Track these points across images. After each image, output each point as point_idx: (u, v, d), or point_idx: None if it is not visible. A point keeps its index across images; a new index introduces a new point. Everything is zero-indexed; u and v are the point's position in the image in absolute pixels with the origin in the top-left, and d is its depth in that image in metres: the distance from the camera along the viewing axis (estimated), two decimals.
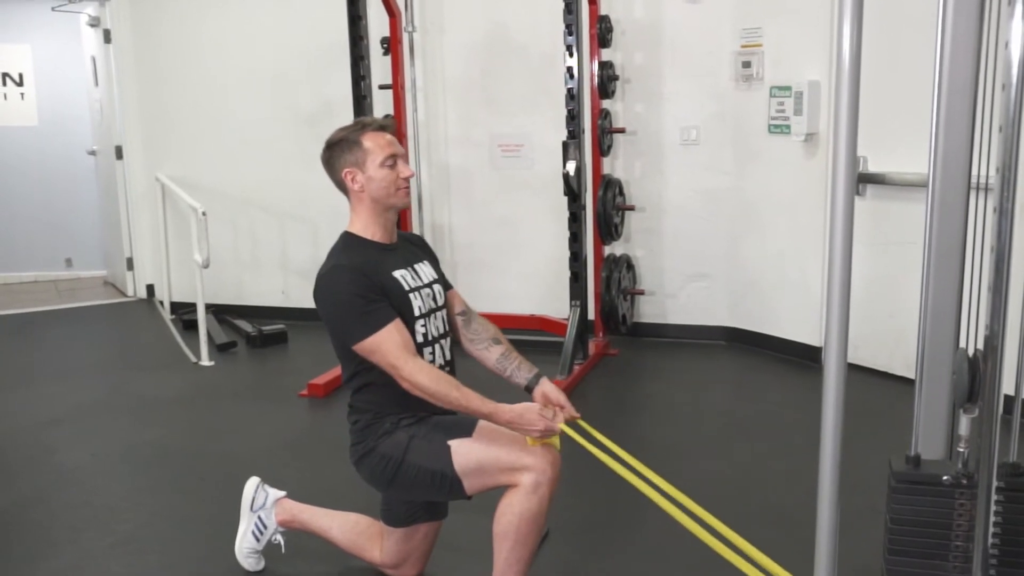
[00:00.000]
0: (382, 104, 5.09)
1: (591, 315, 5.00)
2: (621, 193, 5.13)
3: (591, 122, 4.97)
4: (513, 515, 2.18)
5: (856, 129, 1.58)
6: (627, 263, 5.20)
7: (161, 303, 6.44)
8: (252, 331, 5.51)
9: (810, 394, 3.37)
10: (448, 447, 2.24)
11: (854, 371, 4.07)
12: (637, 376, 4.83)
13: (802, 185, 4.64)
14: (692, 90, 5.02)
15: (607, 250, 5.19)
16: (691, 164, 5.09)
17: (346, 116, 4.58)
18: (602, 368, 4.82)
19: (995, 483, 1.63)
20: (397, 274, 2.33)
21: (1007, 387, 1.57)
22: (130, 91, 6.38)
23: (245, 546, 2.68)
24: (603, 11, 5.04)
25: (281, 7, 5.82)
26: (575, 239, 4.56)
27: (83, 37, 6.98)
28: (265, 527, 2.68)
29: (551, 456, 2.21)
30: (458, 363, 2.47)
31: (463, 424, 2.30)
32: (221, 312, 6.02)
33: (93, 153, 7.21)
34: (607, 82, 5.03)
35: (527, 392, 2.39)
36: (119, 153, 6.53)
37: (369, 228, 2.37)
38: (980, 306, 1.63)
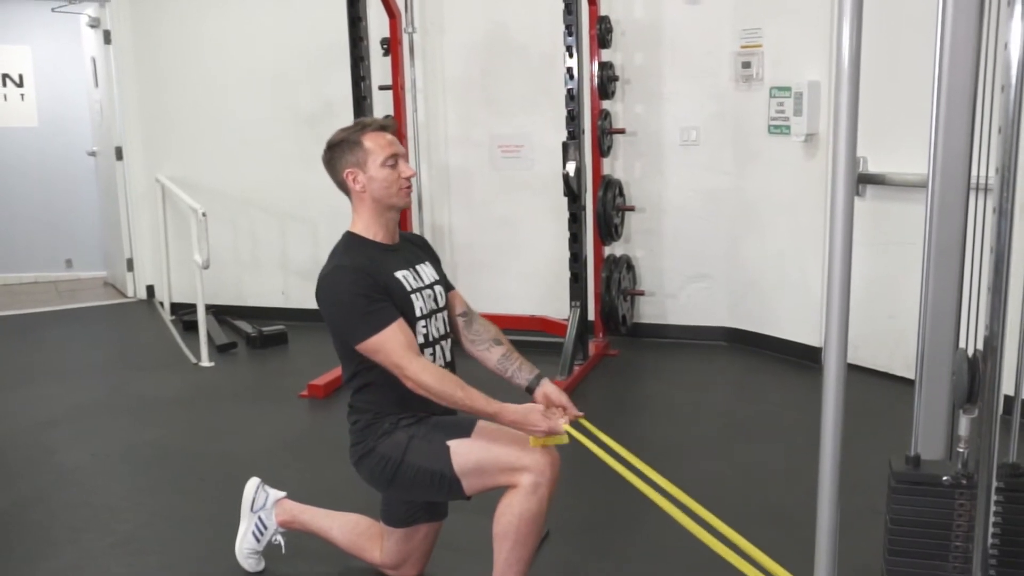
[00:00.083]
0: (382, 105, 5.09)
1: (591, 316, 5.00)
2: (621, 194, 5.13)
3: (591, 123, 4.97)
4: (513, 515, 2.18)
5: (856, 129, 1.58)
6: (627, 264, 5.20)
7: (161, 304, 6.44)
8: (252, 332, 5.51)
9: (810, 394, 3.37)
10: (447, 447, 2.24)
11: (854, 371, 4.08)
12: (637, 377, 4.83)
13: (802, 186, 4.64)
14: (692, 91, 5.02)
15: (607, 251, 5.19)
16: (691, 165, 5.10)
17: (346, 117, 4.59)
18: (602, 369, 4.82)
19: (995, 483, 1.63)
20: (399, 275, 2.33)
21: (1007, 387, 1.57)
22: (130, 92, 6.38)
23: (245, 547, 2.68)
24: (603, 12, 5.04)
25: (281, 7, 5.82)
26: (575, 240, 4.56)
27: (83, 38, 6.98)
28: (265, 528, 2.68)
29: (550, 457, 2.21)
30: (459, 364, 2.47)
31: (462, 424, 2.30)
32: (221, 313, 6.02)
33: (93, 154, 7.21)
34: (607, 83, 5.04)
35: (528, 393, 2.38)
36: (119, 154, 6.54)
37: (371, 228, 2.37)
38: (980, 306, 1.63)
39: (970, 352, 1.64)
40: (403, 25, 5.20)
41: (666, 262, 5.26)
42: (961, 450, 1.69)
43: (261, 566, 2.70)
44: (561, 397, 2.34)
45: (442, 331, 2.42)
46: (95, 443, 3.90)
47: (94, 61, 6.77)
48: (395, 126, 2.47)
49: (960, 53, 1.76)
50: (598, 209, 4.95)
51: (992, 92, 1.62)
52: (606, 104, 5.11)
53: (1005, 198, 1.49)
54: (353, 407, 2.38)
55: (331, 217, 5.19)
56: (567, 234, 4.59)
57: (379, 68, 5.02)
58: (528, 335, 4.90)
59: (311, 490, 3.00)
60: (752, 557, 1.98)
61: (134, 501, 3.29)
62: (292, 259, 6.09)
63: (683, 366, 4.89)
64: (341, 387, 4.18)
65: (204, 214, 4.96)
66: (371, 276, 2.25)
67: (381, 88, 5.10)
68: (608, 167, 5.22)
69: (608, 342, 5.08)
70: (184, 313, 5.95)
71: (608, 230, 5.02)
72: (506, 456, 2.20)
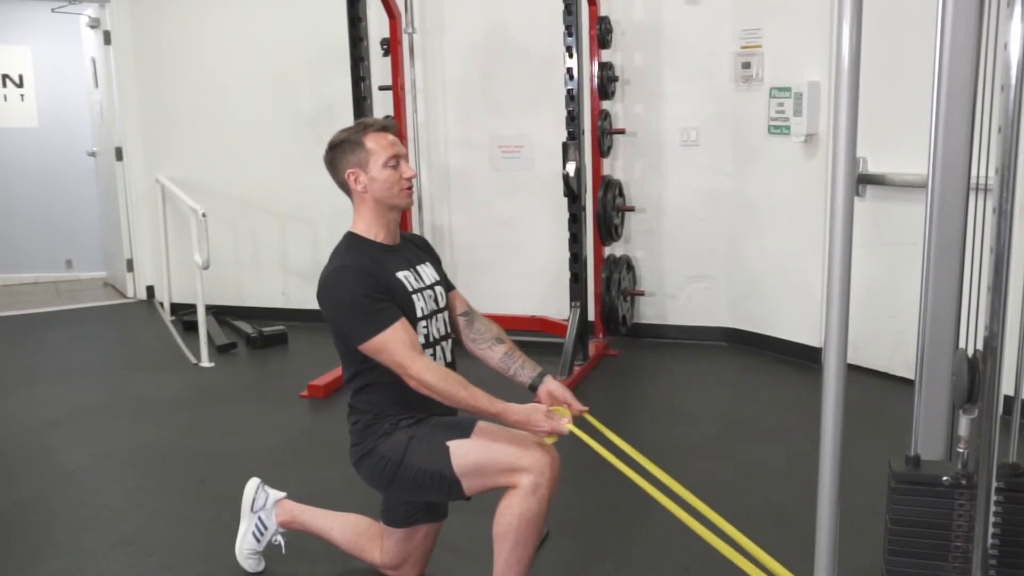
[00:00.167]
0: (382, 105, 5.09)
1: (591, 316, 5.00)
2: (621, 194, 5.13)
3: (591, 123, 4.97)
4: (512, 516, 2.18)
5: (856, 130, 1.58)
6: (627, 264, 5.20)
7: (161, 304, 6.44)
8: (252, 332, 5.51)
9: (810, 394, 3.37)
10: (447, 448, 2.24)
11: (854, 371, 4.08)
12: (637, 377, 4.83)
13: (802, 186, 4.64)
14: (692, 91, 5.02)
15: (607, 251, 5.19)
16: (691, 165, 5.10)
17: (346, 117, 4.59)
18: (602, 369, 4.82)
19: (995, 484, 1.63)
20: (400, 275, 2.33)
21: (1007, 387, 1.57)
22: (130, 92, 6.38)
23: (245, 547, 2.68)
24: (603, 12, 5.04)
25: (281, 8, 5.82)
26: (575, 240, 4.56)
27: (83, 38, 6.98)
28: (265, 528, 2.68)
29: (550, 457, 2.21)
30: (461, 364, 2.47)
31: (462, 425, 2.30)
32: (221, 313, 6.01)
33: (93, 154, 7.21)
34: (607, 83, 5.04)
35: (531, 391, 2.39)
36: (119, 154, 6.54)
37: (372, 229, 2.37)
38: (980, 306, 1.64)
39: (970, 352, 1.64)
40: (403, 26, 5.20)
41: (666, 262, 5.26)
42: (961, 450, 1.69)
43: (261, 566, 2.71)
44: (565, 393, 2.34)
45: (443, 332, 2.43)
46: (95, 444, 3.90)
47: (94, 61, 6.77)
48: (396, 127, 2.47)
49: (960, 53, 1.76)
50: (598, 209, 4.95)
51: (992, 92, 1.62)
52: (606, 104, 5.11)
53: (1005, 198, 1.49)
54: (353, 407, 2.38)
55: (331, 217, 5.20)
56: (567, 234, 4.59)
57: (379, 69, 5.02)
58: (528, 335, 4.90)
59: (311, 490, 3.00)
60: (754, 556, 1.98)
61: (134, 502, 3.29)
62: (292, 259, 6.09)
63: (683, 366, 4.89)
64: (341, 387, 4.19)
65: (204, 214, 4.96)
66: (373, 276, 2.25)
67: (381, 89, 5.10)
68: (608, 167, 5.22)
69: (608, 342, 5.08)
70: (184, 313, 5.95)
71: (608, 230, 5.02)
72: (506, 457, 2.20)
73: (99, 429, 4.10)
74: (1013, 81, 1.46)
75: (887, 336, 4.34)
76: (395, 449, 2.28)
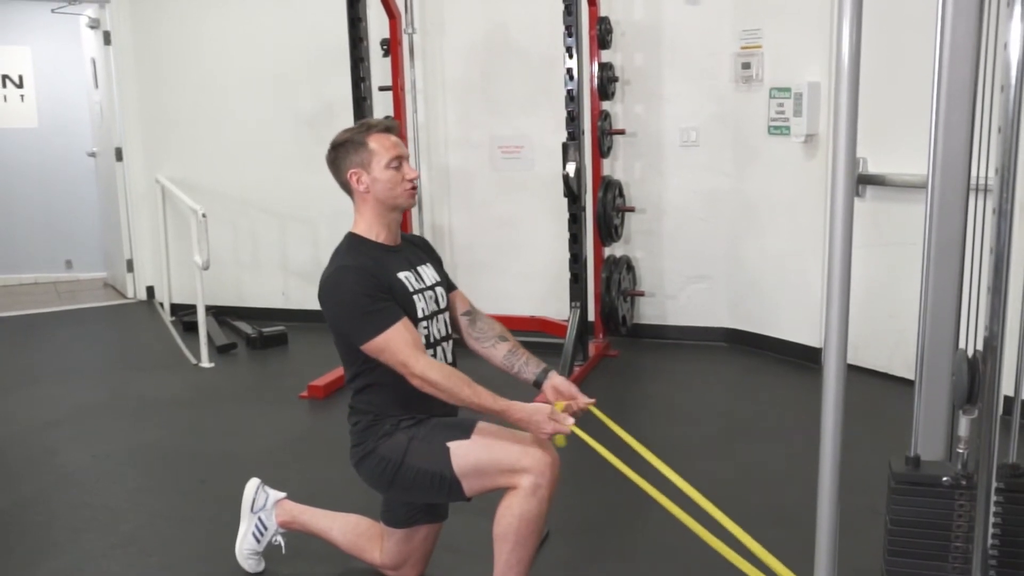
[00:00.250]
0: (382, 106, 5.10)
1: (591, 316, 5.00)
2: (621, 194, 5.13)
3: (591, 123, 4.97)
4: (513, 517, 2.18)
5: (856, 130, 1.58)
6: (627, 264, 5.20)
7: (161, 305, 6.44)
8: (252, 333, 5.51)
9: (810, 394, 3.37)
10: (447, 449, 2.24)
11: (854, 372, 4.08)
12: (637, 377, 4.83)
13: (802, 186, 4.64)
14: (692, 91, 5.02)
15: (607, 251, 5.20)
16: (691, 165, 5.10)
17: (346, 117, 4.59)
18: (602, 369, 4.82)
19: (994, 484, 1.63)
20: (401, 276, 2.33)
21: (1007, 388, 1.57)
22: (130, 93, 6.38)
23: (245, 547, 2.68)
24: (603, 12, 5.04)
25: (281, 8, 5.82)
26: (575, 240, 4.56)
27: (83, 39, 6.98)
28: (265, 528, 2.68)
29: (550, 458, 2.21)
30: (463, 363, 2.47)
31: (462, 426, 2.30)
32: (221, 314, 6.02)
33: (93, 155, 7.21)
34: (607, 83, 5.04)
35: (536, 387, 2.38)
36: (119, 155, 6.54)
37: (373, 229, 2.37)
38: (979, 307, 1.63)
39: (970, 352, 1.64)
40: (403, 26, 5.20)
41: (666, 263, 5.26)
42: (961, 451, 1.69)
43: (261, 567, 2.71)
44: (570, 388, 2.34)
45: (443, 332, 2.43)
46: (96, 444, 3.90)
47: (94, 62, 6.77)
48: (398, 127, 2.47)
49: (960, 53, 1.76)
50: (598, 210, 4.95)
51: (992, 92, 1.62)
52: (606, 105, 5.11)
53: (1005, 198, 1.49)
54: (354, 408, 2.38)
55: (331, 218, 5.21)
56: (567, 235, 4.59)
57: (379, 69, 5.02)
58: (528, 336, 4.87)
59: (311, 491, 3.00)
60: (756, 554, 1.98)
61: (135, 502, 3.29)
62: (292, 260, 6.09)
63: (683, 367, 4.89)
64: (341, 388, 4.19)
65: (204, 215, 4.96)
66: (374, 276, 2.25)
67: (381, 89, 5.10)
68: (608, 168, 5.22)
69: (608, 343, 5.09)
70: (184, 314, 5.95)
71: (608, 231, 5.02)
72: (506, 457, 2.20)
73: (99, 429, 4.10)
74: (1013, 81, 1.46)
75: (887, 336, 4.34)
76: (395, 450, 2.28)
